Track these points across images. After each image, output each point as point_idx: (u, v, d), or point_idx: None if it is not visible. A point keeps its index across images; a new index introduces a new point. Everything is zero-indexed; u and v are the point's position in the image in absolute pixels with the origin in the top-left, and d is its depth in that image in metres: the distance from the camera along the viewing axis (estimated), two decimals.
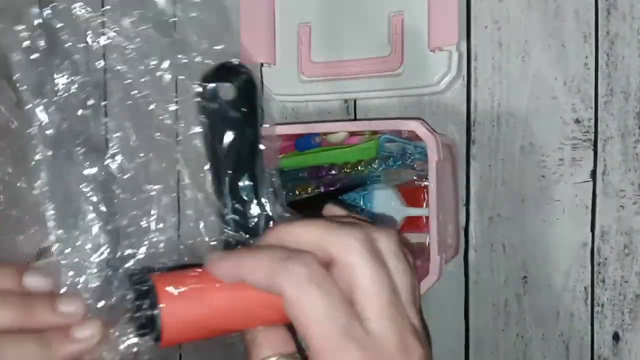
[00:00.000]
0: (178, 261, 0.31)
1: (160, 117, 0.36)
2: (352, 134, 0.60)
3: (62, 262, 0.33)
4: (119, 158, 0.37)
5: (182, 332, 0.31)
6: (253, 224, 0.32)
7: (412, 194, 0.59)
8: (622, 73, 0.53)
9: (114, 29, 0.37)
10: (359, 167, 0.57)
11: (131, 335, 0.29)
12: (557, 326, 0.56)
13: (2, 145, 0.68)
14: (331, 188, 0.58)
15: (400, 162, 0.56)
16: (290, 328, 0.33)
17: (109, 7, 0.35)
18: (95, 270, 0.31)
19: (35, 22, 0.35)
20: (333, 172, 0.58)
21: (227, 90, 0.32)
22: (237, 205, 0.32)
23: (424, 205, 0.58)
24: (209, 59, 0.33)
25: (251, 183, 0.32)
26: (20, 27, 0.34)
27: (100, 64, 0.38)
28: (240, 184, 0.32)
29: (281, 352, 0.33)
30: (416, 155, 0.56)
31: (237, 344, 0.73)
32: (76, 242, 0.35)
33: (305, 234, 0.29)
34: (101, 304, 0.30)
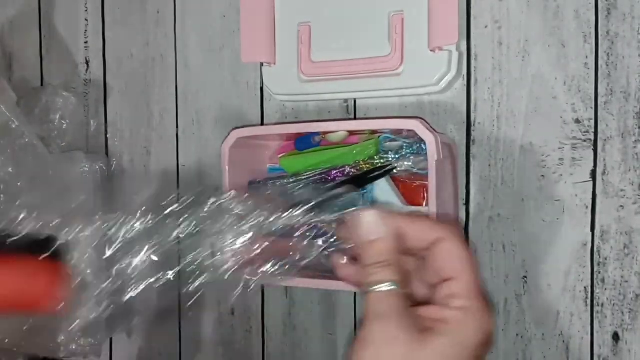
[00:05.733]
0: None
1: None
2: (352, 133, 0.60)
3: None
4: None
5: None
6: None
7: (412, 193, 0.59)
8: (622, 73, 0.53)
9: None
10: (363, 165, 0.57)
11: None
12: (557, 326, 0.56)
13: (2, 145, 0.68)
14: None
15: (398, 156, 0.56)
16: None
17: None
18: None
19: None
20: (337, 173, 0.58)
21: None
22: None
23: (424, 204, 0.58)
24: None
25: None
26: None
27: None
28: None
29: (395, 279, 0.36)
30: (414, 148, 0.56)
31: (237, 343, 0.73)
32: None
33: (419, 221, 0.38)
34: None
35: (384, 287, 0.35)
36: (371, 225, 0.37)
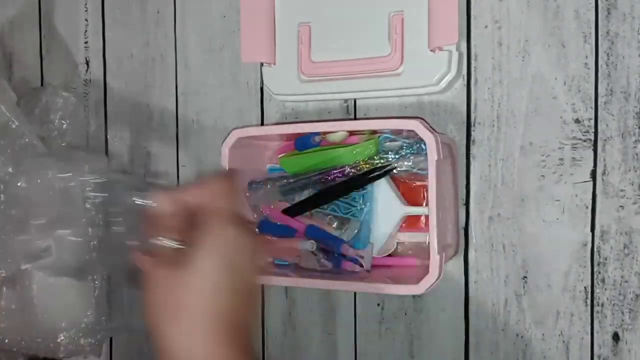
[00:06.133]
0: None
1: None
2: (352, 133, 0.60)
3: None
4: None
5: None
6: None
7: (412, 193, 0.59)
8: (622, 73, 0.53)
9: None
10: (363, 165, 0.57)
11: None
12: (557, 326, 0.56)
13: (2, 145, 0.68)
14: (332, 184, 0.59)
15: (398, 156, 0.56)
16: None
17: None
18: None
19: None
20: (337, 173, 0.59)
21: None
22: None
23: (424, 205, 0.58)
24: None
25: None
26: None
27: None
28: None
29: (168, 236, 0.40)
30: (414, 148, 0.56)
31: None
32: None
33: None
34: None
35: (159, 241, 0.40)
36: (157, 202, 0.42)
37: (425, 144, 0.51)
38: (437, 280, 0.50)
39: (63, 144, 0.73)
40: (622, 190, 0.53)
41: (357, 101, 0.63)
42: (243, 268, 0.40)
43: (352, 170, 0.58)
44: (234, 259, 0.39)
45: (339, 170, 0.58)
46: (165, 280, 0.39)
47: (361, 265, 0.56)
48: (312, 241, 0.57)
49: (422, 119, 0.59)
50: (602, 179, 0.54)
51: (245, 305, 0.40)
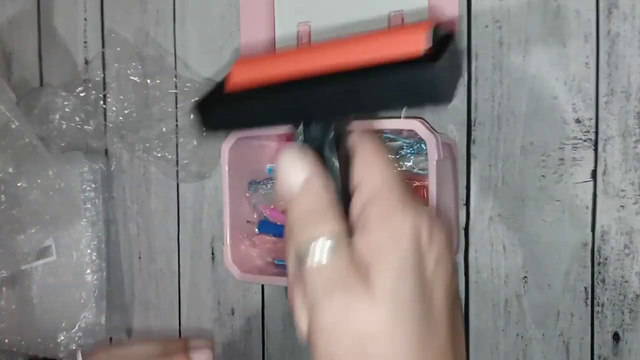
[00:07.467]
0: None
1: None
2: None
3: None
4: None
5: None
6: None
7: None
8: (623, 73, 0.53)
9: None
10: None
11: None
12: (557, 326, 0.56)
13: (2, 145, 0.68)
14: None
15: (398, 156, 0.56)
16: None
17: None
18: None
19: None
20: None
21: None
22: None
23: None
24: None
25: None
26: None
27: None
28: None
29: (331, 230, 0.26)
30: (414, 148, 0.56)
31: (237, 344, 0.73)
32: None
33: None
34: None
35: (324, 249, 0.26)
36: (294, 167, 0.27)
37: (425, 144, 0.51)
38: None
39: (63, 144, 0.73)
40: (622, 190, 0.53)
41: None
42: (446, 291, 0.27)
43: None
44: (439, 276, 0.26)
45: None
46: (349, 322, 0.26)
47: None
48: None
49: (423, 118, 0.59)
50: (603, 179, 0.54)
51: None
